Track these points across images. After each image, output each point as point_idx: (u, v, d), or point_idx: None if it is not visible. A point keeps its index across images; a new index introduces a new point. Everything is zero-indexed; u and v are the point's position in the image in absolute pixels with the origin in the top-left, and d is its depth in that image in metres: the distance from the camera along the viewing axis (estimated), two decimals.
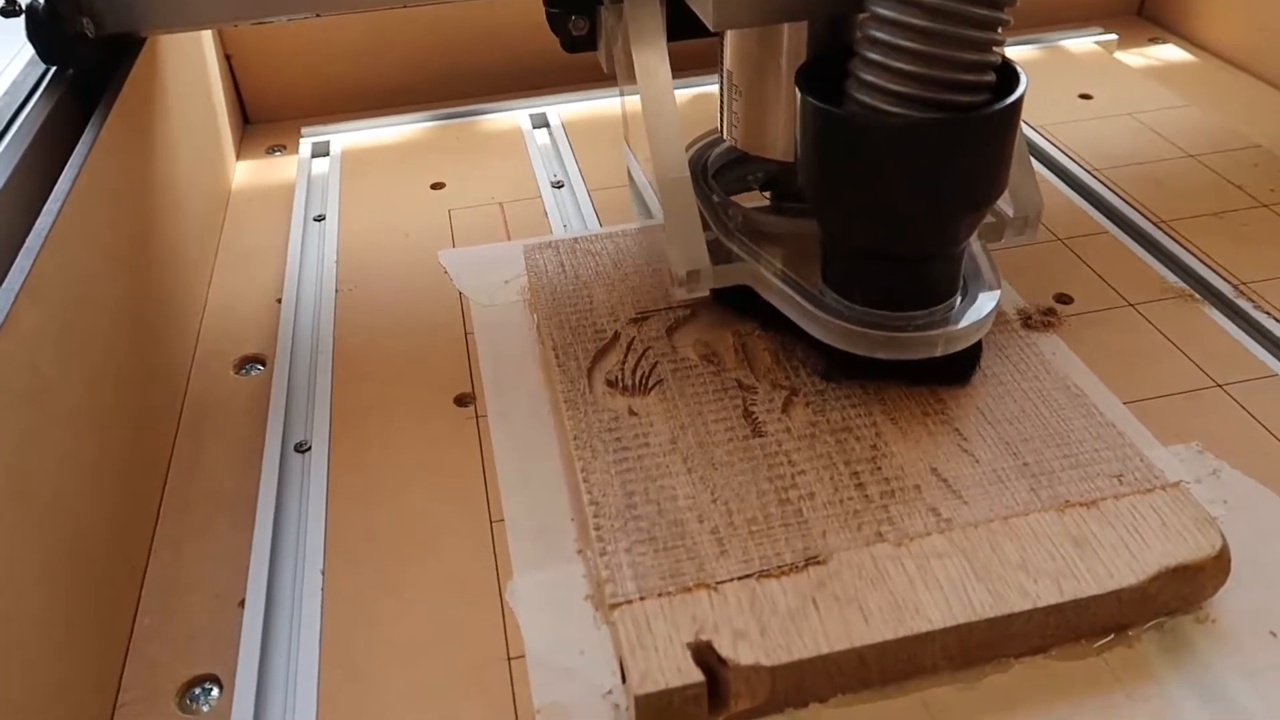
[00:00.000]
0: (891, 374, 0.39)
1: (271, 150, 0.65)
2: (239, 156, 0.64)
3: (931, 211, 0.35)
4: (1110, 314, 0.45)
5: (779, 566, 0.32)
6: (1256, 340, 0.43)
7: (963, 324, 0.37)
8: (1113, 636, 0.31)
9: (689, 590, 0.31)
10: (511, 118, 0.65)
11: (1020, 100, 0.33)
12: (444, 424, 0.42)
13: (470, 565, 0.35)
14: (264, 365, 0.46)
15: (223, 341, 0.48)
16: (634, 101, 0.43)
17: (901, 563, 0.31)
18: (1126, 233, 0.51)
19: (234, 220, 0.57)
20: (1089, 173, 0.56)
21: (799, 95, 0.35)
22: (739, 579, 0.31)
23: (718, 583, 0.31)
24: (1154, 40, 0.72)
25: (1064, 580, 0.30)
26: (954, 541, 0.32)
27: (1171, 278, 0.47)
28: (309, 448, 0.41)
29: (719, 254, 0.40)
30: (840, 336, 0.37)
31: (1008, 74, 0.34)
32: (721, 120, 0.42)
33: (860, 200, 0.35)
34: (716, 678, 0.29)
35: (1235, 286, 0.46)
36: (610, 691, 0.31)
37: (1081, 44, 0.70)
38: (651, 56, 0.40)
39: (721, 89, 0.41)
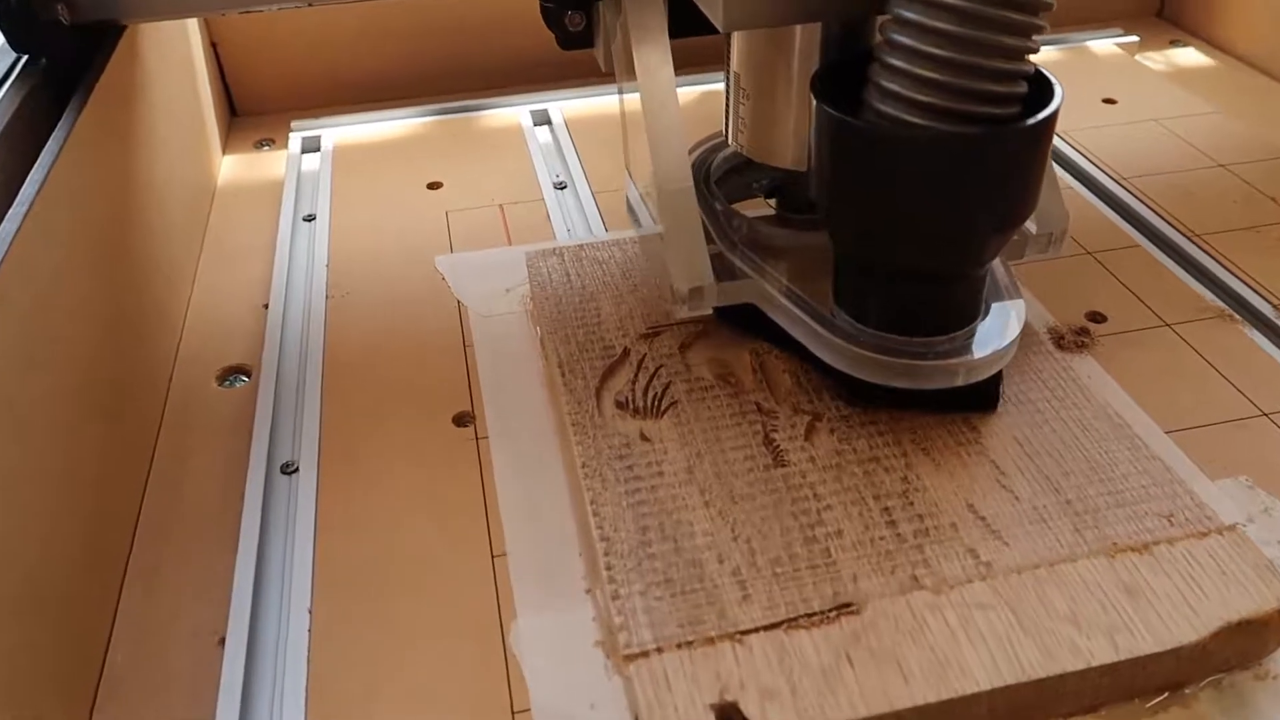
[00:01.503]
0: (914, 403, 0.36)
1: (260, 144, 0.62)
2: (225, 151, 0.61)
3: (955, 231, 0.32)
4: (1146, 334, 0.43)
5: (808, 615, 0.29)
6: None
7: (986, 352, 0.35)
8: (1167, 695, 0.29)
9: (711, 642, 0.29)
10: (512, 114, 0.62)
11: (1055, 115, 0.31)
12: (441, 446, 0.39)
13: (470, 605, 0.33)
14: (249, 376, 0.44)
15: (205, 350, 0.45)
16: (633, 101, 0.41)
17: (942, 613, 0.29)
18: (1158, 246, 0.48)
19: (219, 219, 0.55)
20: (1116, 181, 0.53)
21: (814, 103, 0.32)
22: (765, 629, 0.29)
23: (742, 633, 0.29)
24: (1175, 43, 0.70)
25: (1118, 636, 0.28)
26: (998, 590, 0.30)
27: (1209, 295, 0.45)
28: (296, 469, 0.38)
29: (723, 269, 0.38)
30: (853, 363, 0.35)
31: (1040, 84, 0.31)
32: (727, 124, 0.40)
33: (878, 218, 0.32)
34: None
35: (1276, 306, 0.44)
36: None
37: (1102, 45, 0.68)
38: (653, 55, 0.37)
39: (728, 91, 0.39)
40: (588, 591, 0.33)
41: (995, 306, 0.36)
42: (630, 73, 0.38)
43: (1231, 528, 0.31)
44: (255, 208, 0.55)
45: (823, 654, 0.28)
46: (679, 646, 0.28)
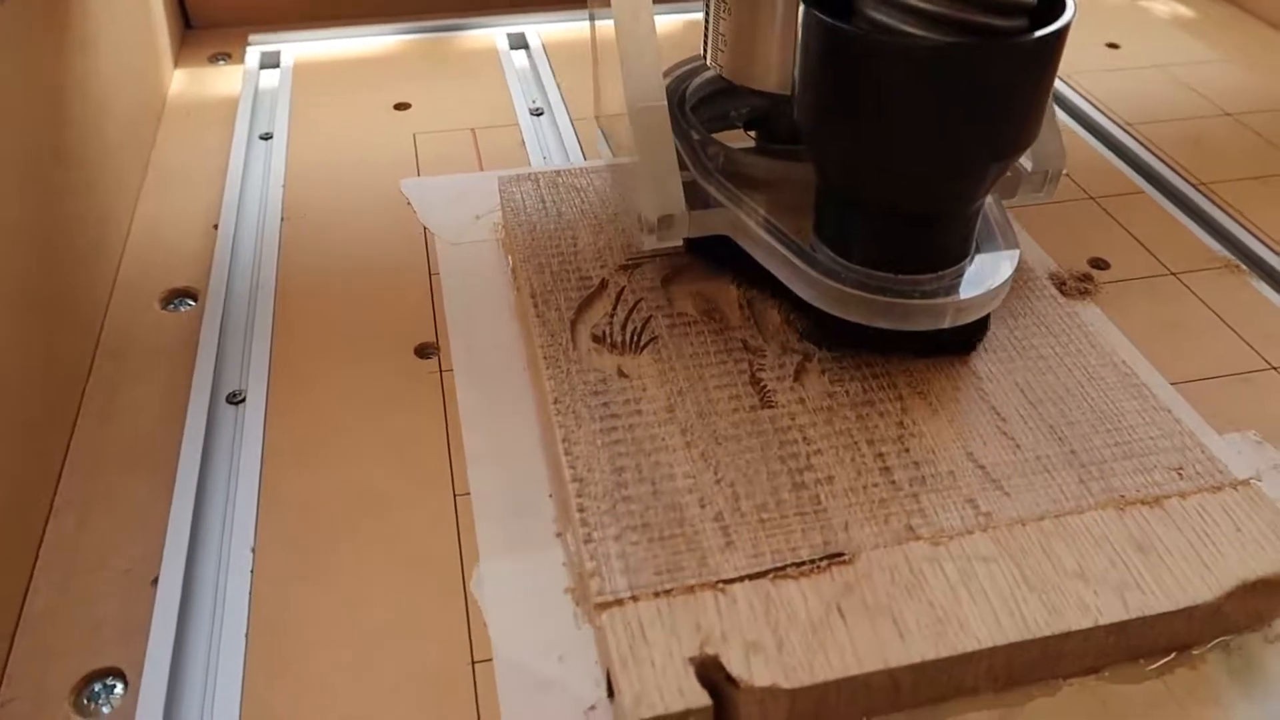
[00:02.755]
0: (888, 346, 0.34)
1: (215, 59, 0.58)
2: (177, 64, 0.57)
3: (950, 156, 0.29)
4: (1151, 283, 0.41)
5: (796, 564, 0.27)
6: None
7: (976, 292, 0.32)
8: (1173, 656, 0.27)
9: (691, 591, 0.26)
10: (487, 36, 0.59)
11: (1066, 30, 0.28)
12: (402, 378, 0.36)
13: (429, 548, 0.30)
14: (195, 300, 0.40)
15: (148, 272, 0.42)
16: (605, 27, 0.37)
17: (940, 565, 0.27)
18: (1164, 194, 0.46)
19: (168, 135, 0.51)
20: (1120, 127, 0.51)
21: (802, 9, 0.29)
22: (750, 578, 0.27)
23: (725, 582, 0.26)
24: None
25: (1129, 593, 0.26)
26: (1000, 542, 0.28)
27: (1215, 245, 0.43)
28: (243, 399, 0.35)
29: (696, 198, 0.35)
30: (834, 300, 0.32)
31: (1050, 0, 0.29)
32: (706, 43, 0.37)
33: (868, 139, 0.29)
34: (723, 699, 0.24)
35: None
36: (594, 707, 0.26)
37: None
38: None
39: (708, 6, 0.36)
40: (558, 535, 0.30)
41: (986, 246, 0.34)
42: None
43: (1245, 482, 0.29)
44: (208, 126, 0.51)
45: (812, 606, 0.26)
46: (656, 595, 0.26)
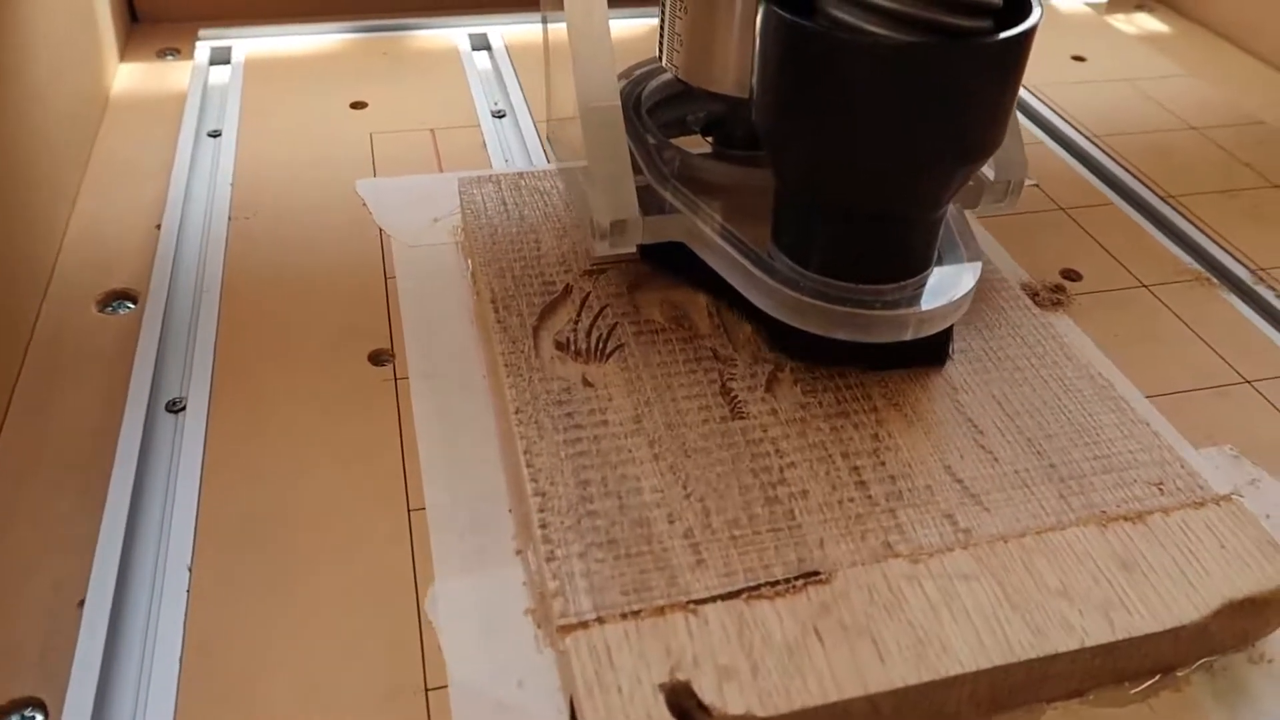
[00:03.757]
0: (848, 359, 0.33)
1: (163, 54, 0.56)
2: (122, 58, 0.55)
3: (914, 159, 0.28)
4: (1123, 295, 0.40)
5: (770, 583, 0.26)
6: None
7: (939, 302, 0.31)
8: (1158, 678, 0.26)
9: (661, 612, 0.25)
10: (447, 36, 0.57)
11: (1033, 31, 0.27)
12: (355, 386, 0.34)
13: (382, 566, 0.28)
14: (135, 303, 0.38)
15: (85, 272, 0.39)
16: (558, 29, 0.36)
17: (920, 584, 0.26)
18: (1133, 206, 0.46)
19: (111, 131, 0.48)
20: (1088, 139, 0.51)
21: (762, 6, 0.28)
22: (722, 598, 0.25)
23: (696, 602, 0.25)
24: (1141, 7, 0.68)
25: (1114, 613, 0.25)
26: (981, 560, 0.26)
27: (1185, 258, 0.43)
28: (183, 406, 0.33)
29: (651, 203, 0.33)
30: (791, 310, 0.31)
31: (1015, 2, 0.28)
32: (662, 44, 0.35)
33: (830, 140, 0.28)
34: None
35: (1253, 272, 0.42)
36: None
37: (1070, 4, 0.66)
38: None
39: (663, 6, 0.34)
40: (518, 553, 0.29)
41: (949, 257, 0.33)
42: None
43: (1227, 498, 0.29)
44: (154, 122, 0.49)
45: (787, 628, 0.24)
46: (623, 616, 0.25)
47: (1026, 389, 0.33)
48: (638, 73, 0.40)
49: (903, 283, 0.31)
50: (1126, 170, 0.48)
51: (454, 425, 0.33)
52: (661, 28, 0.35)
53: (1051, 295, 0.40)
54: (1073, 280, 0.41)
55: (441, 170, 0.45)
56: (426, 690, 0.25)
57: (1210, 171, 0.48)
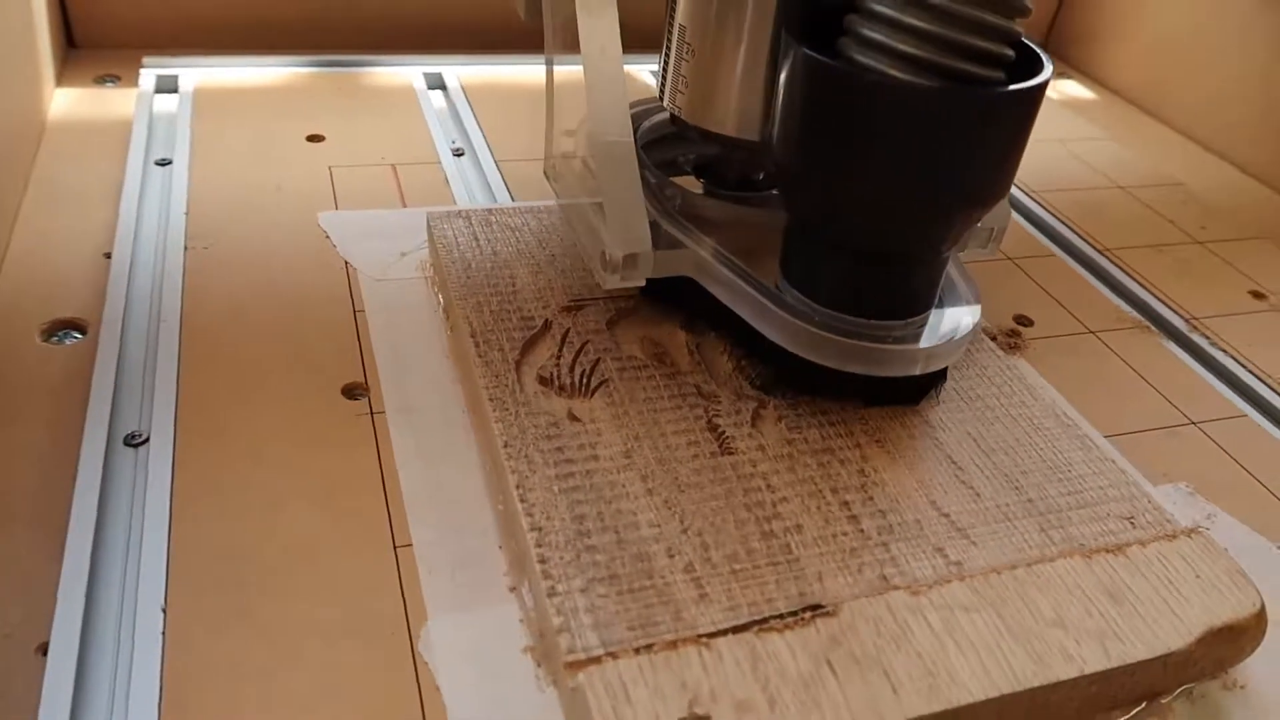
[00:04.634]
0: (846, 392, 0.33)
1: (102, 80, 0.54)
2: (60, 84, 0.53)
3: (935, 201, 0.29)
4: (1073, 340, 0.42)
5: (777, 616, 0.26)
6: (1218, 378, 0.41)
7: (944, 340, 0.32)
8: (1144, 705, 0.27)
9: (673, 646, 0.24)
10: (401, 74, 0.57)
11: (1047, 83, 0.29)
12: (330, 420, 0.33)
13: (371, 605, 0.27)
14: (84, 333, 0.36)
15: (27, 300, 0.37)
16: (563, 72, 0.37)
17: (924, 615, 0.26)
18: (1073, 258, 0.48)
19: (50, 156, 0.46)
20: (1028, 195, 0.53)
21: (792, 51, 0.29)
22: (733, 631, 0.25)
23: (708, 636, 0.25)
24: (1063, 75, 0.72)
25: (1109, 642, 0.26)
26: (978, 591, 0.27)
27: (1125, 306, 0.45)
28: (144, 440, 0.32)
29: (658, 238, 0.34)
30: (804, 342, 0.32)
31: (1027, 54, 0.30)
32: (664, 86, 0.36)
33: (849, 181, 0.29)
34: None
35: (1187, 321, 0.44)
36: None
37: None
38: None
39: (668, 49, 0.35)
40: (512, 589, 0.28)
41: (947, 295, 0.34)
42: (561, 41, 0.34)
43: (1196, 530, 0.30)
44: (96, 148, 0.47)
45: (800, 660, 0.24)
46: (636, 651, 0.24)
47: (999, 427, 0.34)
48: (631, 113, 0.40)
49: (908, 320, 0.32)
50: (1065, 224, 0.51)
51: (436, 460, 0.32)
52: (665, 70, 0.35)
53: (1008, 339, 0.41)
54: (1026, 325, 0.43)
55: (405, 205, 0.45)
56: None
57: (1139, 228, 0.51)
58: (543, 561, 0.27)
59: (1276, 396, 0.40)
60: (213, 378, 0.34)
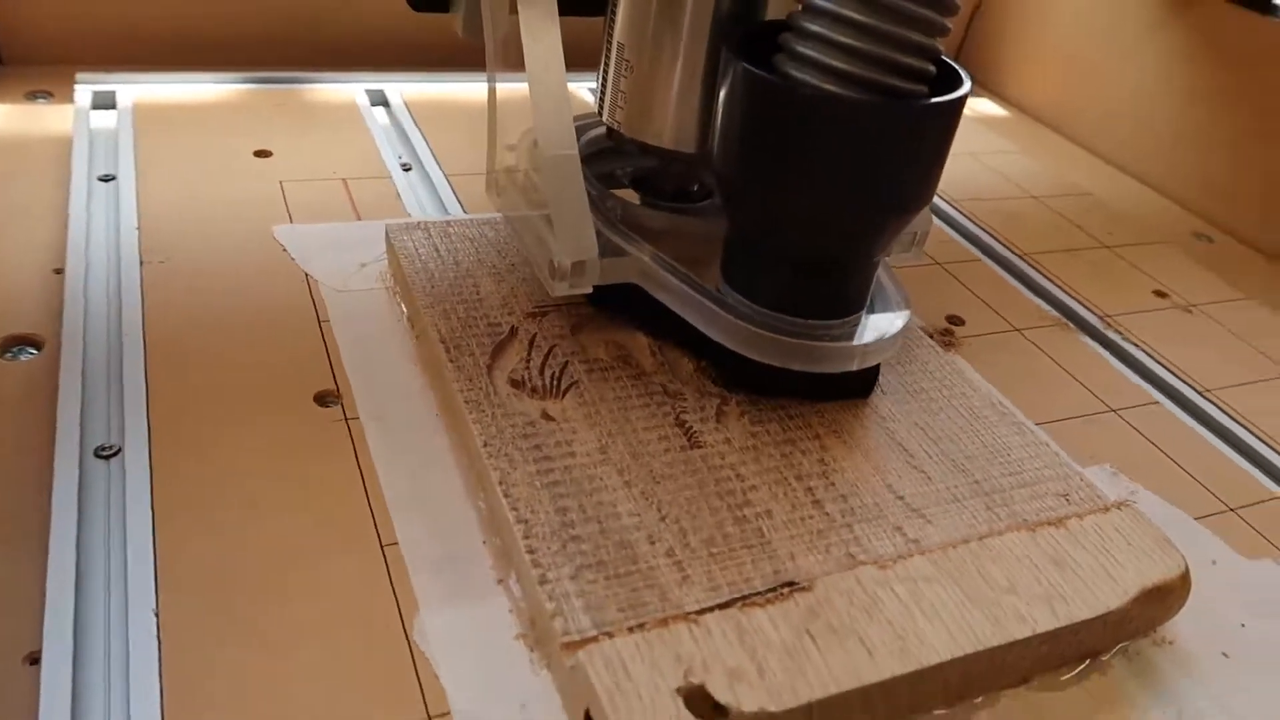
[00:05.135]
0: (790, 390, 0.35)
1: (34, 96, 0.53)
2: None
3: (870, 207, 0.32)
4: (1001, 337, 0.45)
5: (757, 594, 0.27)
6: (1132, 369, 0.45)
7: (878, 336, 0.35)
8: (1087, 663, 0.30)
9: (664, 623, 0.26)
10: (343, 91, 0.57)
11: (968, 95, 0.32)
12: (304, 427, 0.34)
13: (364, 600, 0.28)
14: (39, 349, 0.36)
15: None
16: (506, 89, 0.38)
17: (891, 588, 0.28)
18: (995, 262, 0.51)
19: None
20: (950, 204, 0.56)
21: (734, 67, 0.31)
22: (719, 608, 0.27)
23: (696, 613, 0.26)
24: (971, 95, 0.76)
25: (1056, 604, 0.28)
26: (938, 564, 0.29)
27: (1045, 306, 0.48)
28: (116, 451, 0.32)
29: (604, 246, 0.35)
30: (748, 342, 0.33)
31: (946, 70, 0.32)
32: (602, 101, 0.38)
33: (786, 189, 0.31)
34: None
35: (1102, 319, 0.48)
36: None
37: None
38: (538, 14, 0.34)
39: (606, 65, 0.37)
40: (499, 582, 0.29)
41: (878, 296, 0.36)
42: (502, 58, 0.35)
43: (1126, 504, 0.33)
44: (34, 165, 0.47)
45: (783, 632, 0.26)
46: (630, 630, 0.25)
47: (943, 417, 0.36)
48: None
49: (844, 319, 0.34)
50: (986, 232, 0.54)
51: (414, 463, 0.33)
52: (603, 86, 0.37)
53: (942, 338, 0.44)
54: (958, 325, 0.45)
55: (359, 218, 0.45)
56: (429, 717, 0.25)
57: (1053, 234, 0.55)
58: (531, 552, 0.28)
59: (1184, 386, 0.44)
60: (182, 388, 0.34)
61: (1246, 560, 0.35)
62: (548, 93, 0.34)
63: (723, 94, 0.32)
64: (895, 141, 0.30)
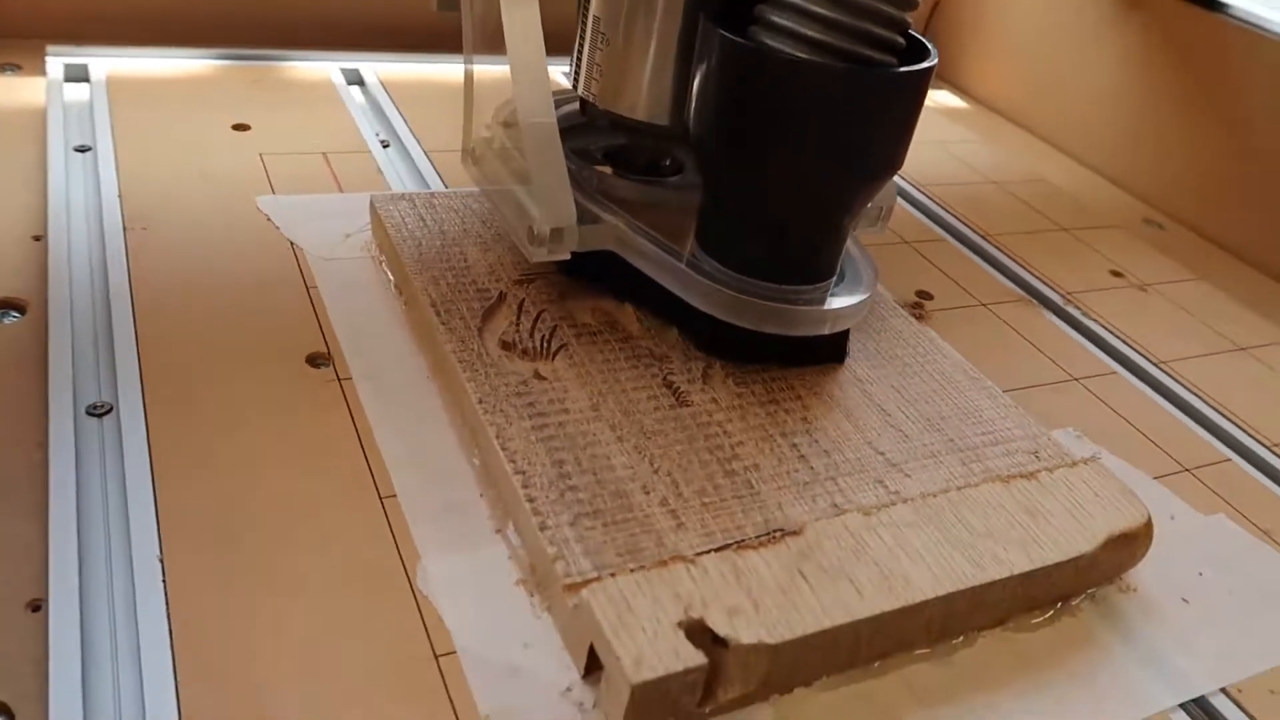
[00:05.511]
0: (764, 355, 0.36)
1: (2, 69, 0.52)
2: None
3: (845, 171, 0.33)
4: (968, 311, 0.47)
5: (754, 537, 0.28)
6: (1092, 342, 0.47)
7: (850, 302, 0.36)
8: (1058, 606, 0.31)
9: (663, 564, 0.27)
10: (318, 69, 0.57)
11: (935, 65, 0.33)
12: (298, 387, 0.34)
13: (365, 548, 0.29)
14: (23, 312, 0.36)
15: None
16: (483, 70, 0.39)
17: (877, 533, 0.29)
18: (959, 242, 0.53)
19: None
20: (916, 188, 0.58)
21: (713, 36, 0.32)
22: (716, 551, 0.28)
23: (696, 554, 0.27)
24: (933, 87, 0.78)
25: (1030, 549, 0.30)
26: (919, 512, 0.30)
27: (1008, 284, 0.50)
28: (109, 410, 0.32)
29: (581, 214, 0.36)
30: (724, 305, 0.34)
31: (914, 43, 0.34)
32: (577, 75, 0.38)
33: (771, 155, 0.32)
34: (709, 661, 0.25)
35: (1062, 296, 0.50)
36: (570, 689, 0.26)
37: None
38: None
39: (582, 39, 0.38)
40: (497, 532, 0.30)
41: (847, 265, 0.38)
42: (481, 35, 0.36)
43: (1093, 459, 0.34)
44: (6, 136, 0.46)
45: (776, 572, 0.27)
46: (631, 571, 0.26)
47: (917, 380, 0.38)
48: None
49: (816, 285, 0.36)
50: (950, 213, 0.56)
51: (408, 421, 0.33)
52: (579, 60, 0.38)
53: (913, 311, 0.45)
54: (927, 299, 0.47)
55: (342, 191, 0.46)
56: (436, 657, 0.26)
57: (1014, 217, 0.57)
58: (530, 500, 0.29)
59: (1140, 358, 0.46)
60: (173, 349, 0.35)
61: (1202, 515, 0.37)
62: (526, 61, 0.35)
63: (701, 62, 0.33)
64: (866, 108, 0.31)
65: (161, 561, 0.27)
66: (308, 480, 0.30)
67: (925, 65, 0.32)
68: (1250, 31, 0.58)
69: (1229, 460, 0.40)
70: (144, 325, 0.35)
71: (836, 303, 0.36)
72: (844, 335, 0.38)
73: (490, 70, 0.38)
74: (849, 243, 0.38)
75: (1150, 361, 0.46)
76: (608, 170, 0.40)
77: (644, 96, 0.37)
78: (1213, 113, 0.61)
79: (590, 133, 0.42)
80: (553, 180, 0.35)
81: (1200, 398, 0.44)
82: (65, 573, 0.26)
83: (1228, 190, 0.60)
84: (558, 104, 0.41)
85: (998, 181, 0.61)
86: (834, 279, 0.37)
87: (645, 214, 0.37)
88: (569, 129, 0.42)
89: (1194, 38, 0.62)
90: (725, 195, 0.35)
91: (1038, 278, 0.51)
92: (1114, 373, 0.45)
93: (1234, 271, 0.57)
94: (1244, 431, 0.42)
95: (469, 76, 0.40)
